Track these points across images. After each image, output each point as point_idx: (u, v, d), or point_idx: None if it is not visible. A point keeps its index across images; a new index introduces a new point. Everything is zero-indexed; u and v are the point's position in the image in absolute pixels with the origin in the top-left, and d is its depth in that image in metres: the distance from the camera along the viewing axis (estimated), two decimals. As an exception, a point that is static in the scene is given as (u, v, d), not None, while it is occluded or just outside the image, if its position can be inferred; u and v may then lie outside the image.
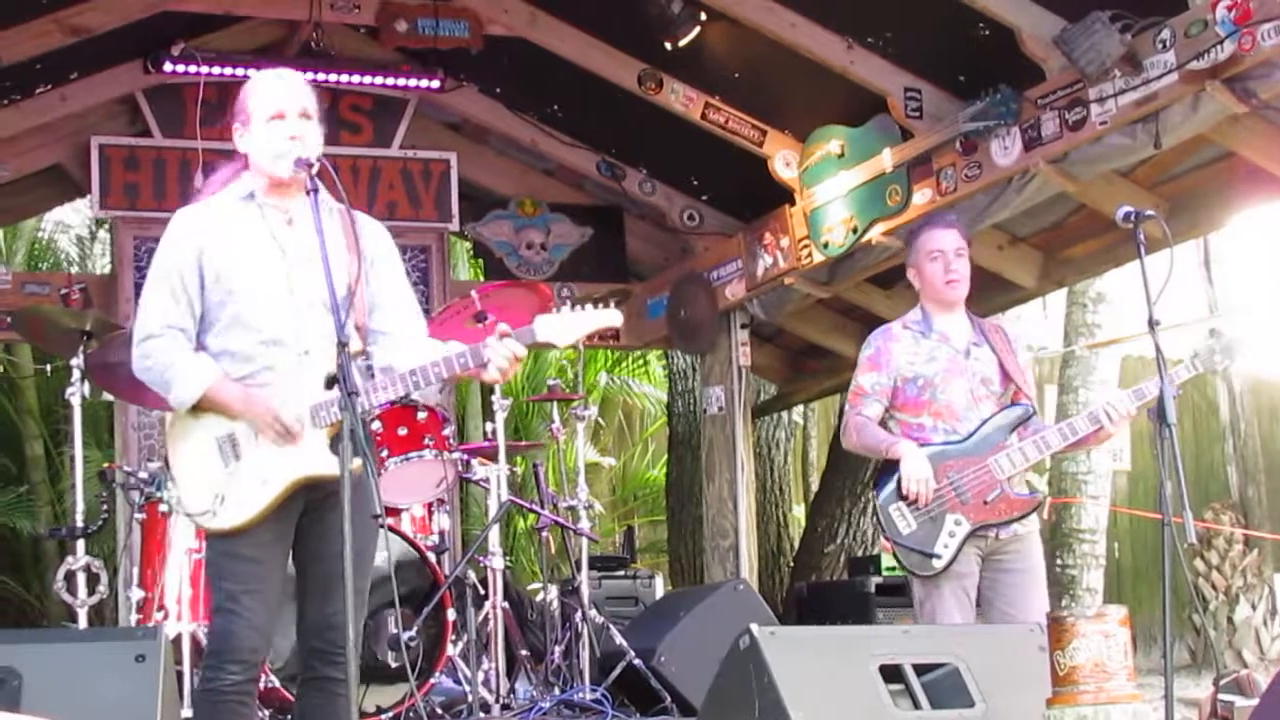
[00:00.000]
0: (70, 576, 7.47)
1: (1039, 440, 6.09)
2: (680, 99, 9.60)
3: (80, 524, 7.55)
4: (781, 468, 13.21)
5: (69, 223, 15.20)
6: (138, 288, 9.88)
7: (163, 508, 7.30)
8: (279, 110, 4.89)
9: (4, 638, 5.24)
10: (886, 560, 9.67)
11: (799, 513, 14.02)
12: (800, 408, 14.16)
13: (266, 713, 6.96)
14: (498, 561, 7.80)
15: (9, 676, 4.55)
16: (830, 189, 9.21)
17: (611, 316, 4.93)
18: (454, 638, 7.43)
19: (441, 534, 8.21)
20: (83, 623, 7.51)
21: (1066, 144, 7.87)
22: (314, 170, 4.73)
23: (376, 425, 7.53)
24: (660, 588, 10.27)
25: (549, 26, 9.55)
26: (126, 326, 7.64)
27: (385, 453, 7.60)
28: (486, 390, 9.66)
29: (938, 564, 6.02)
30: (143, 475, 7.58)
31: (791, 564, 12.66)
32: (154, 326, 4.87)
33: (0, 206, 10.86)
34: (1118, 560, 14.34)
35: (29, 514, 13.11)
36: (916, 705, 5.08)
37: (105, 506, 7.95)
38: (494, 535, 7.84)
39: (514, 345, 4.78)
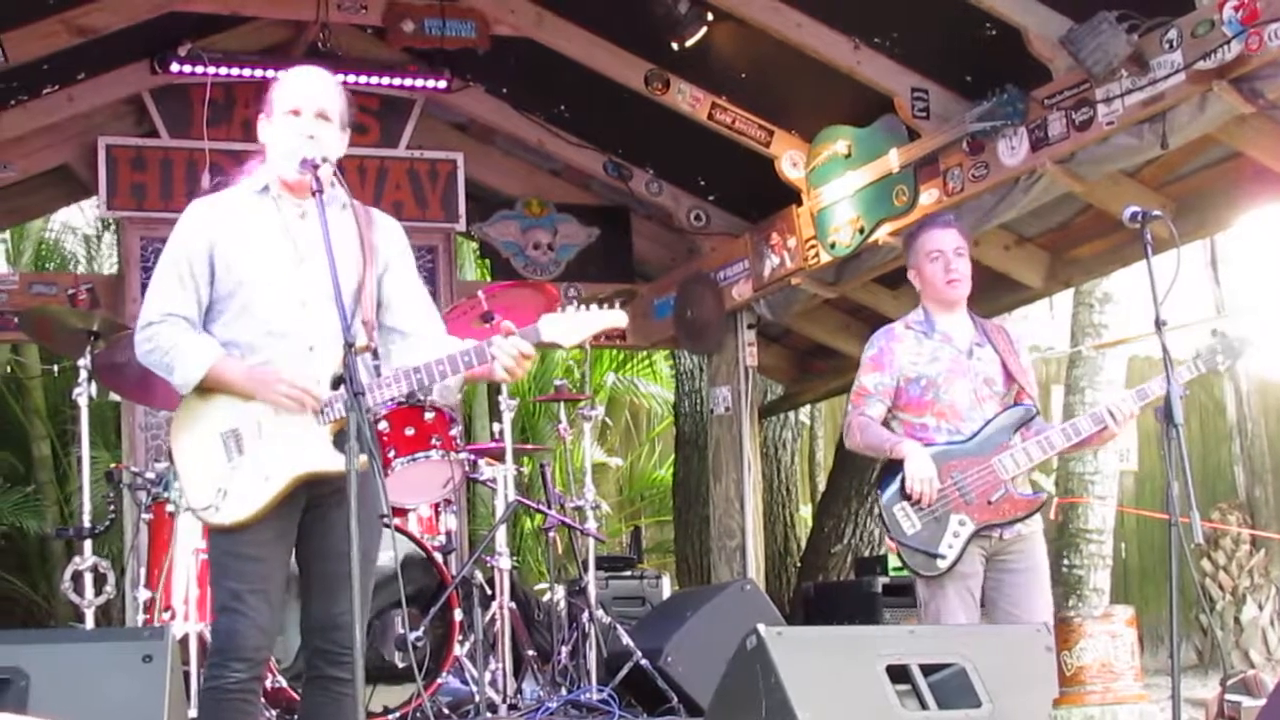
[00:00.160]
0: (77, 577, 7.48)
1: (1042, 440, 6.10)
2: (687, 99, 9.60)
3: (87, 524, 7.55)
4: (788, 468, 13.21)
5: (76, 223, 15.21)
6: (144, 288, 9.75)
7: (170, 508, 7.30)
8: (296, 106, 4.90)
9: (11, 638, 5.24)
10: (893, 561, 9.65)
11: (806, 513, 14.02)
12: (807, 408, 14.16)
13: (273, 712, 6.96)
14: (505, 562, 7.80)
15: (16, 677, 4.55)
16: (837, 189, 9.21)
17: (616, 317, 4.92)
18: (461, 638, 7.44)
19: (448, 534, 8.22)
20: (90, 623, 7.52)
21: (1073, 144, 7.86)
22: (319, 170, 4.74)
23: (383, 425, 7.54)
24: (667, 588, 10.26)
25: (556, 27, 9.55)
26: (134, 327, 7.64)
27: (392, 453, 7.60)
28: (493, 390, 9.66)
29: (942, 564, 6.03)
30: (150, 475, 7.58)
31: (798, 564, 12.66)
32: (156, 313, 4.88)
33: (7, 207, 10.87)
34: (1124, 560, 14.33)
35: (36, 514, 13.12)
36: (923, 705, 5.08)
37: (112, 507, 7.96)
38: (501, 535, 7.84)
39: (519, 343, 4.78)
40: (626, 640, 7.96)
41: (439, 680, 7.36)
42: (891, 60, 8.60)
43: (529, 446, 9.53)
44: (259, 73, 9.70)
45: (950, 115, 8.43)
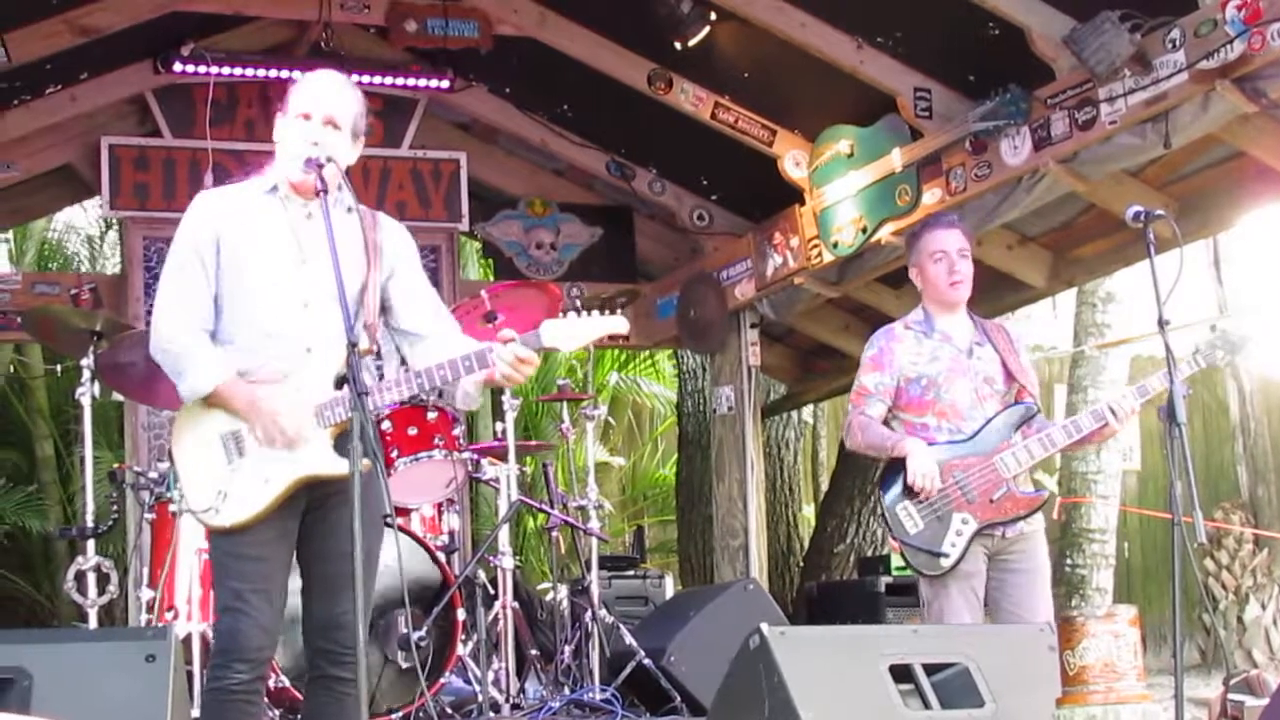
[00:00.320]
0: (80, 576, 7.48)
1: (1044, 438, 6.09)
2: (690, 99, 9.60)
3: (90, 524, 7.55)
4: (791, 467, 13.21)
5: (79, 223, 15.21)
6: (148, 287, 9.91)
7: (173, 508, 7.31)
8: (307, 111, 4.91)
9: (14, 637, 5.25)
10: (896, 560, 9.62)
11: (809, 512, 14.01)
12: (810, 407, 14.15)
13: (276, 712, 6.96)
14: (508, 561, 7.80)
15: (19, 676, 4.55)
16: (840, 189, 9.21)
17: (617, 323, 4.93)
18: (464, 637, 7.44)
19: (451, 534, 8.23)
20: (93, 623, 7.52)
21: (1076, 144, 7.86)
22: (324, 171, 4.74)
23: (386, 425, 7.54)
24: (670, 587, 10.26)
25: (558, 26, 9.56)
26: (137, 326, 7.66)
27: (395, 452, 7.60)
28: (496, 390, 9.65)
29: (945, 563, 6.02)
30: (153, 475, 7.59)
31: (801, 564, 12.65)
32: (174, 307, 4.88)
33: (11, 207, 10.88)
34: (1127, 560, 14.32)
35: (39, 514, 13.11)
36: (926, 705, 5.08)
37: (115, 507, 7.97)
38: (504, 535, 7.84)
39: (519, 348, 4.79)
40: (629, 640, 7.96)
41: (442, 680, 7.37)
42: (894, 60, 8.61)
43: (532, 445, 9.50)
44: (262, 72, 9.71)
45: (953, 115, 8.43)
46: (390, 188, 10.58)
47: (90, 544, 7.53)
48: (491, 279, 11.46)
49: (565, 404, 8.78)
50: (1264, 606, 12.70)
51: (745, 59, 9.33)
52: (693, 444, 12.79)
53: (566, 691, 7.80)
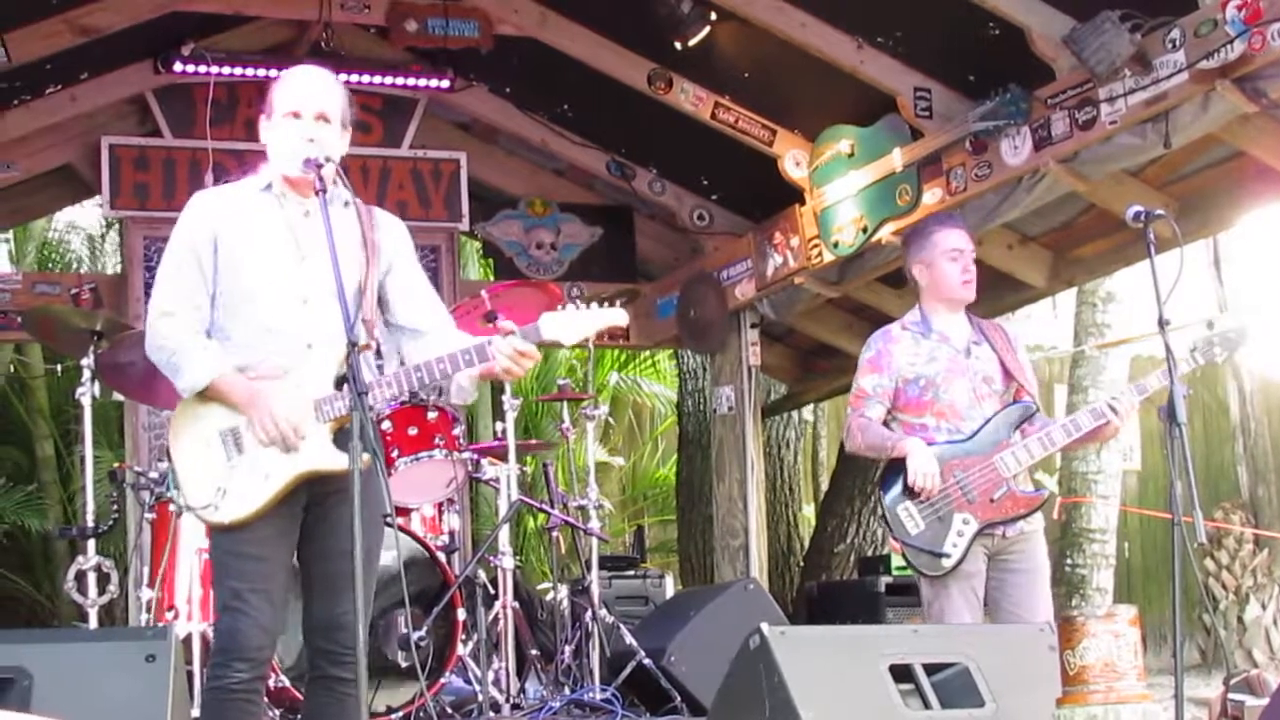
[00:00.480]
0: (81, 576, 7.48)
1: (1043, 437, 6.10)
2: (690, 99, 9.60)
3: (91, 524, 7.55)
4: (791, 467, 13.21)
5: (79, 223, 15.21)
6: (148, 287, 9.89)
7: (173, 508, 7.30)
8: (296, 109, 4.89)
9: (14, 637, 5.25)
10: (896, 560, 9.62)
11: (809, 512, 14.01)
12: (810, 407, 14.16)
13: (276, 712, 6.96)
14: (508, 561, 7.80)
15: (19, 676, 4.55)
16: (840, 188, 9.21)
17: (617, 315, 4.93)
18: (464, 637, 7.44)
19: (451, 534, 8.23)
20: (93, 622, 7.51)
21: (1076, 143, 7.86)
22: (323, 170, 4.74)
23: (386, 425, 7.54)
24: (670, 587, 10.26)
25: (559, 26, 9.55)
26: (137, 326, 7.65)
27: (396, 452, 7.60)
28: (496, 390, 9.66)
29: (947, 563, 6.03)
30: (153, 475, 7.59)
31: (801, 563, 12.65)
32: (168, 304, 4.88)
33: (11, 207, 10.88)
34: (1128, 560, 14.32)
35: (39, 513, 13.11)
36: (926, 705, 5.08)
37: (115, 506, 7.97)
38: (504, 535, 7.84)
39: (518, 341, 4.79)
40: (630, 640, 7.96)
41: (442, 680, 7.37)
42: (894, 60, 8.61)
43: (532, 445, 9.49)
44: (262, 72, 9.70)
45: (953, 115, 8.43)
46: (390, 187, 10.58)
47: (90, 544, 7.53)
48: (491, 279, 11.45)
49: (565, 404, 8.78)
50: (1264, 606, 12.70)
51: (745, 59, 9.33)
52: (693, 444, 12.79)
53: (567, 691, 7.79)
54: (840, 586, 11.03)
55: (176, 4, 9.20)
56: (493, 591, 7.81)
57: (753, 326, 10.60)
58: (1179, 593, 5.14)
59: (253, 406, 4.79)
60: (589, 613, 8.00)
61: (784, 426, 13.08)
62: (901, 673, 5.11)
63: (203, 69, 9.71)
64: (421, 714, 7.05)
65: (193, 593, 7.13)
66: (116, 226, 12.61)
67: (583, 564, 8.27)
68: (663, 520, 16.34)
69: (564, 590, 8.33)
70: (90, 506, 7.58)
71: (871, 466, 11.36)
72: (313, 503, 4.87)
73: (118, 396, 10.83)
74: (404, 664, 7.10)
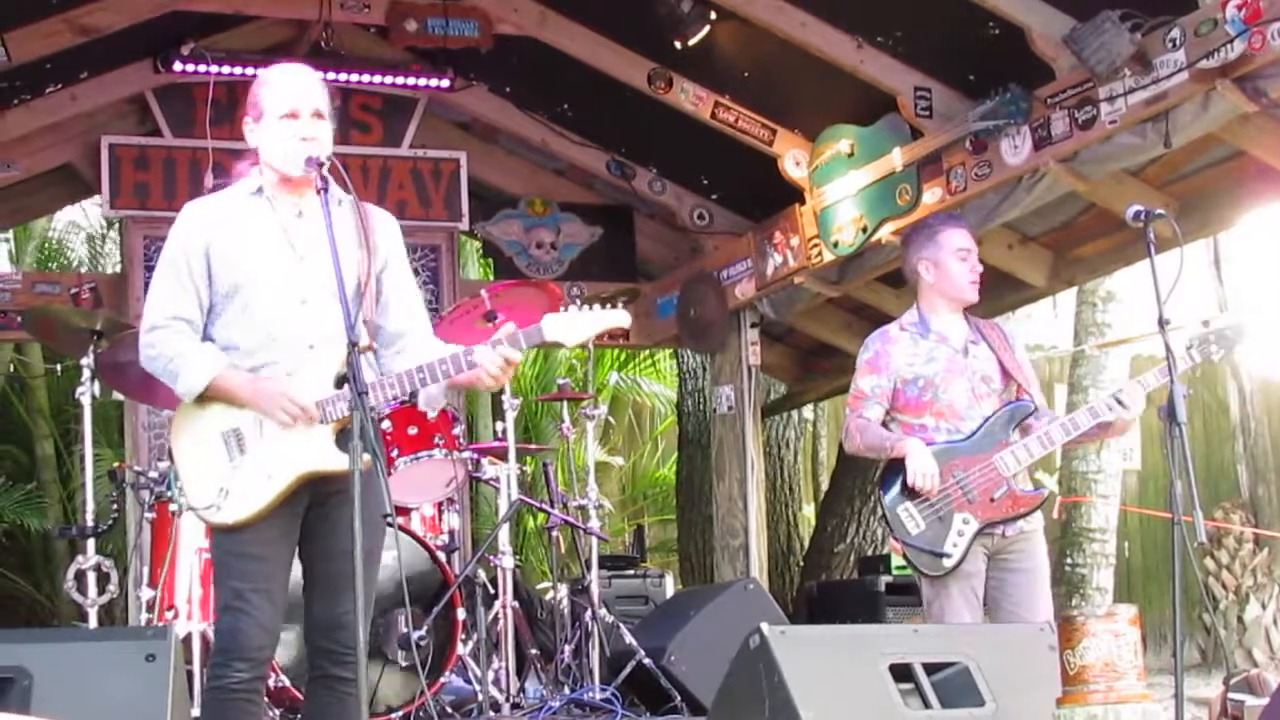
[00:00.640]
0: (80, 576, 7.48)
1: (1043, 436, 6.09)
2: (690, 98, 9.60)
3: (90, 523, 7.55)
4: (791, 467, 13.20)
5: (79, 222, 15.21)
6: (148, 287, 9.87)
7: (173, 507, 7.31)
8: (293, 109, 4.87)
9: (14, 637, 5.24)
10: (896, 560, 9.63)
11: (809, 512, 14.01)
12: (810, 407, 14.16)
13: (276, 712, 6.96)
14: (508, 561, 7.81)
15: (19, 676, 4.54)
16: (840, 188, 9.21)
17: (619, 317, 4.93)
18: (464, 637, 7.45)
19: (451, 533, 8.23)
20: (93, 622, 7.52)
21: (1076, 143, 7.86)
22: (324, 169, 4.74)
23: (386, 424, 7.54)
24: (670, 587, 10.26)
25: (559, 26, 9.55)
26: (137, 326, 7.65)
27: (396, 452, 7.60)
28: (497, 389, 9.66)
29: (948, 563, 6.02)
30: (153, 474, 7.59)
31: (801, 563, 12.65)
32: (160, 317, 4.88)
33: (11, 206, 10.88)
34: (1128, 559, 14.32)
35: (39, 513, 13.11)
36: (926, 705, 5.08)
37: (115, 506, 7.97)
38: (504, 534, 7.84)
39: (506, 351, 4.77)
40: (629, 639, 7.96)
41: (442, 679, 7.37)
42: (894, 59, 8.60)
43: (532, 446, 9.51)
44: (262, 72, 9.68)
45: (953, 114, 8.43)
46: (390, 187, 10.57)
47: (90, 543, 7.53)
48: (491, 278, 11.45)
49: (565, 403, 8.78)
50: (1264, 606, 12.69)
51: (745, 58, 9.33)
52: (693, 443, 12.79)
53: (566, 691, 7.80)
54: (840, 586, 11.03)
55: (176, 3, 9.20)
56: (493, 591, 7.81)
57: (753, 326, 10.60)
58: (1179, 592, 5.13)
59: (261, 395, 4.78)
60: (589, 612, 8.01)
61: (784, 426, 13.09)
62: (901, 672, 5.11)
63: (203, 68, 9.71)
64: (421, 713, 7.05)
65: (192, 592, 7.13)
66: (116, 226, 12.60)
67: (582, 564, 8.27)
68: (663, 520, 16.34)
69: (564, 590, 8.33)
70: (90, 506, 7.58)
71: (871, 466, 11.35)
72: (315, 503, 4.87)
73: (118, 396, 10.83)
74: (404, 663, 7.10)
